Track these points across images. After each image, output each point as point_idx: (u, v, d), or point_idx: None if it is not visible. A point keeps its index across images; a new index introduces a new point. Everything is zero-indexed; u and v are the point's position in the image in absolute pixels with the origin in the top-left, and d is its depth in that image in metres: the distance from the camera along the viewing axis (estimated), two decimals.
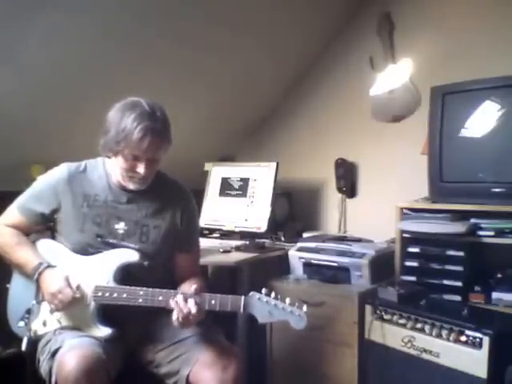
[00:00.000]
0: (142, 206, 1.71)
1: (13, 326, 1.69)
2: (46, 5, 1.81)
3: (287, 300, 1.52)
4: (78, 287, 1.59)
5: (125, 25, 2.08)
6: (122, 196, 1.70)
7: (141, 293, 1.57)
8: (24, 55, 1.94)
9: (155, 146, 1.58)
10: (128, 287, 1.59)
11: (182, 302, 1.52)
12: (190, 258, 1.81)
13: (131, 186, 1.67)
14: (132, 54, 2.23)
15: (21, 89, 2.05)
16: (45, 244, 1.72)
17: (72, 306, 1.58)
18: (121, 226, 1.68)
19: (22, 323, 1.63)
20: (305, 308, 1.51)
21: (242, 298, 1.53)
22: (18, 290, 1.71)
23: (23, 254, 1.66)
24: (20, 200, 1.72)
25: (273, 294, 1.53)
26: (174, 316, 1.52)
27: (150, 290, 1.57)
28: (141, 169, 1.61)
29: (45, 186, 1.71)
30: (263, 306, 1.52)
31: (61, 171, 1.71)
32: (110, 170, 1.71)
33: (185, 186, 1.85)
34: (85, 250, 1.66)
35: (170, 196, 1.77)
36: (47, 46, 1.97)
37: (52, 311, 1.62)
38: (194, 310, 1.51)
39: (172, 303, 1.53)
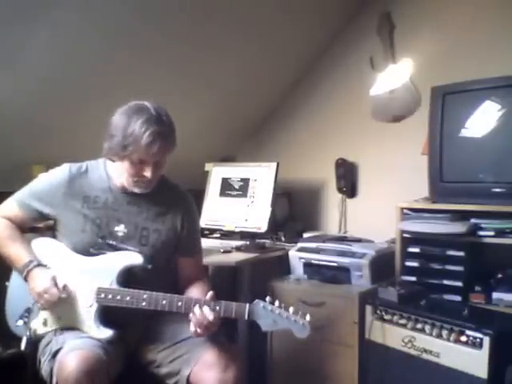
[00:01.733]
0: (143, 209, 1.71)
1: (11, 325, 1.69)
2: (47, 6, 1.81)
3: (291, 309, 1.53)
4: (65, 287, 1.59)
5: (126, 25, 2.09)
6: (122, 198, 1.70)
7: (144, 296, 1.57)
8: (25, 56, 1.94)
9: (163, 150, 1.59)
10: (132, 290, 1.58)
11: (199, 311, 1.52)
12: (193, 261, 1.81)
13: (136, 190, 1.67)
14: (132, 55, 2.23)
15: (22, 89, 2.05)
16: (45, 242, 1.71)
17: (61, 306, 1.58)
18: (120, 229, 1.68)
19: (20, 322, 1.63)
20: (308, 317, 1.52)
21: (247, 305, 1.53)
22: (17, 288, 1.70)
23: (14, 249, 1.66)
24: (20, 194, 1.72)
25: (277, 303, 1.54)
26: (192, 328, 1.53)
27: (154, 293, 1.57)
28: (148, 172, 1.61)
29: (46, 185, 1.70)
30: (267, 314, 1.52)
31: (62, 171, 1.71)
32: (111, 172, 1.71)
33: (185, 190, 1.85)
34: (86, 250, 1.66)
35: (170, 200, 1.77)
36: (48, 47, 1.97)
37: (40, 309, 1.61)
38: (210, 317, 1.52)
39: (191, 315, 1.53)
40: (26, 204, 1.70)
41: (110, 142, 1.60)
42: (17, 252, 1.66)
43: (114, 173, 1.69)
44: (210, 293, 1.57)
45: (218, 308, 1.53)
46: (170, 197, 1.78)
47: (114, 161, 1.66)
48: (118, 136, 1.57)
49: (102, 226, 1.67)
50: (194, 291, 1.71)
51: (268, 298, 1.54)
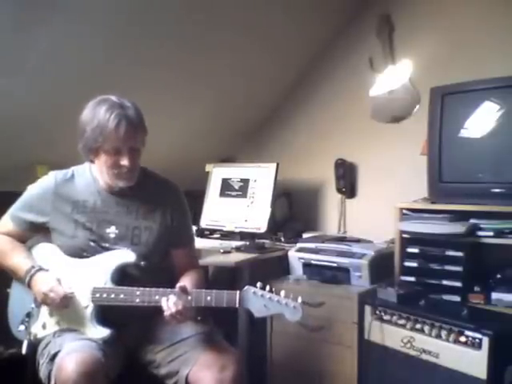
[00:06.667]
0: (132, 209, 1.71)
1: (14, 331, 1.71)
2: (50, 9, 1.82)
3: (282, 292, 1.53)
4: (69, 287, 1.60)
5: (125, 27, 2.09)
6: (110, 200, 1.70)
7: (137, 293, 1.57)
8: (30, 57, 1.95)
9: (132, 133, 1.59)
10: (125, 287, 1.59)
11: (169, 300, 1.54)
12: (186, 252, 1.82)
13: (120, 184, 1.67)
14: (133, 56, 2.23)
15: (26, 89, 2.06)
16: (42, 248, 1.73)
17: (68, 306, 1.60)
18: (112, 230, 1.68)
19: (22, 327, 1.65)
20: (299, 299, 1.51)
21: (237, 292, 1.53)
22: (19, 294, 1.72)
23: (16, 259, 1.68)
24: (12, 209, 1.74)
25: (267, 288, 1.53)
26: (166, 314, 1.54)
27: (147, 289, 1.58)
28: (125, 161, 1.61)
29: (33, 196, 1.72)
30: (258, 299, 1.52)
31: (48, 180, 1.73)
32: (96, 175, 1.71)
33: (174, 183, 1.84)
34: (79, 254, 1.67)
35: (158, 196, 1.77)
36: (53, 48, 1.98)
37: (51, 313, 1.63)
38: (179, 307, 1.52)
39: (162, 302, 1.55)
40: (18, 217, 1.72)
41: (82, 139, 1.62)
42: (18, 261, 1.67)
43: (100, 175, 1.69)
44: (181, 284, 1.57)
45: (209, 298, 1.53)
46: (158, 192, 1.78)
47: (92, 161, 1.67)
48: (87, 131, 1.59)
49: (93, 230, 1.67)
50: (185, 280, 1.69)
51: (259, 284, 1.54)
